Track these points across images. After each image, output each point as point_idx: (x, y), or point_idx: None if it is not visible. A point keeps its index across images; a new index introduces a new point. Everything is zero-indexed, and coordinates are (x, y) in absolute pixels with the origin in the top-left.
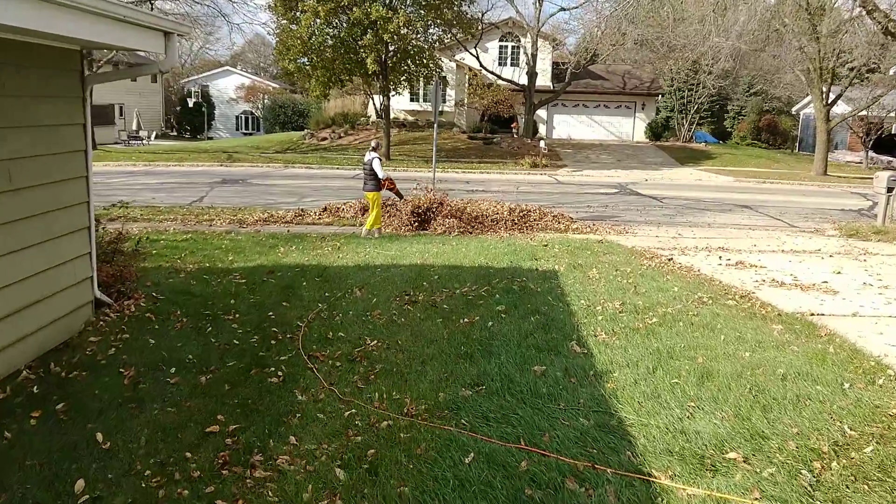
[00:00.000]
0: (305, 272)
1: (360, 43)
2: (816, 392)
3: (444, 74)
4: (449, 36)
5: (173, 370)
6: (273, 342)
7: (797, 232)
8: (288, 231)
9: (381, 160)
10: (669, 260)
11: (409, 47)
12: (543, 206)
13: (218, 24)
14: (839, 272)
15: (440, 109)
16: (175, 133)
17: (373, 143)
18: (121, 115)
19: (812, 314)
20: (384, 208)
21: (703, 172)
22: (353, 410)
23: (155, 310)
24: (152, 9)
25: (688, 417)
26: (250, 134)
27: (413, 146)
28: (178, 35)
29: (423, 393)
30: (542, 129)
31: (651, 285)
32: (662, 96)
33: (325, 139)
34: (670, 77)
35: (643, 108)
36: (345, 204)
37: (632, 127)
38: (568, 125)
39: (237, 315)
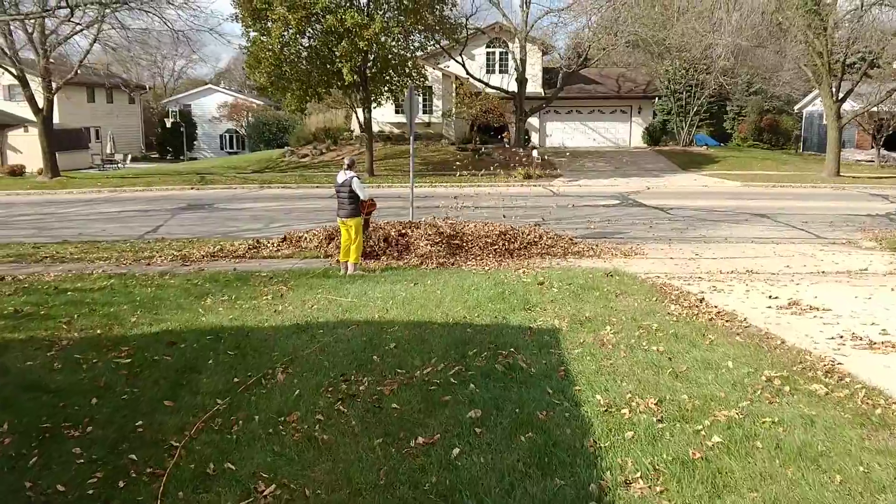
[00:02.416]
0: (220, 340)
1: (335, 52)
2: None
3: (428, 84)
4: (432, 43)
5: None
6: (121, 485)
7: (828, 245)
8: (234, 269)
9: (360, 178)
10: (701, 301)
11: (390, 56)
12: (539, 224)
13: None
14: None
15: (427, 121)
16: (156, 155)
17: (346, 161)
18: (97, 138)
19: None
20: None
21: (708, 178)
22: None
23: None
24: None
25: None
26: (235, 153)
27: (398, 160)
28: None
29: None
30: (534, 138)
31: (692, 358)
32: (659, 99)
33: (305, 156)
34: (667, 79)
35: (640, 112)
36: (307, 232)
37: (629, 132)
38: (562, 133)
39: (90, 428)
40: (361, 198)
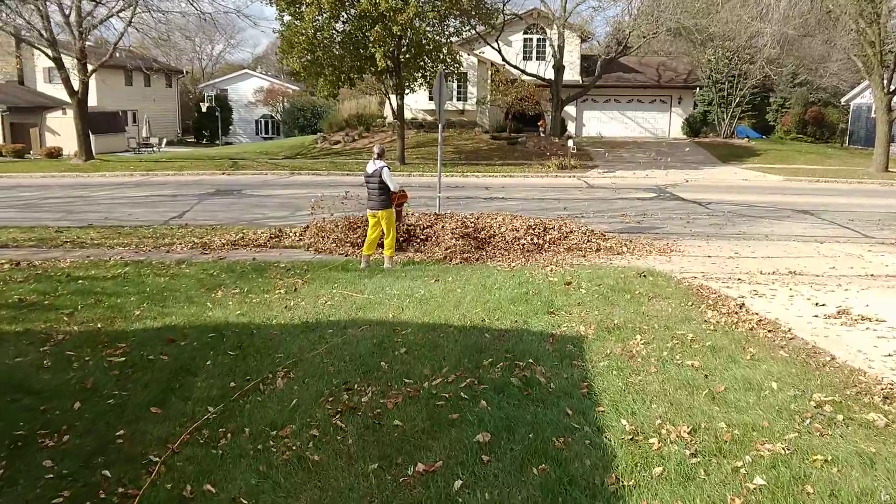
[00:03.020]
0: (223, 339)
1: (368, 37)
2: None
3: (463, 70)
4: (468, 28)
5: None
6: None
7: (876, 245)
8: (254, 259)
9: (390, 169)
10: (741, 307)
11: (424, 41)
12: (570, 218)
13: (240, 27)
14: None
15: (461, 108)
16: (192, 139)
17: (376, 149)
18: (133, 121)
19: None
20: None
21: (749, 171)
22: None
23: None
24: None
25: None
26: (270, 138)
27: (431, 148)
28: None
29: None
30: (570, 127)
31: (731, 376)
32: (700, 89)
33: (337, 142)
34: (709, 68)
35: (680, 103)
36: (329, 222)
37: (668, 123)
38: (599, 122)
39: (67, 437)
40: (392, 189)
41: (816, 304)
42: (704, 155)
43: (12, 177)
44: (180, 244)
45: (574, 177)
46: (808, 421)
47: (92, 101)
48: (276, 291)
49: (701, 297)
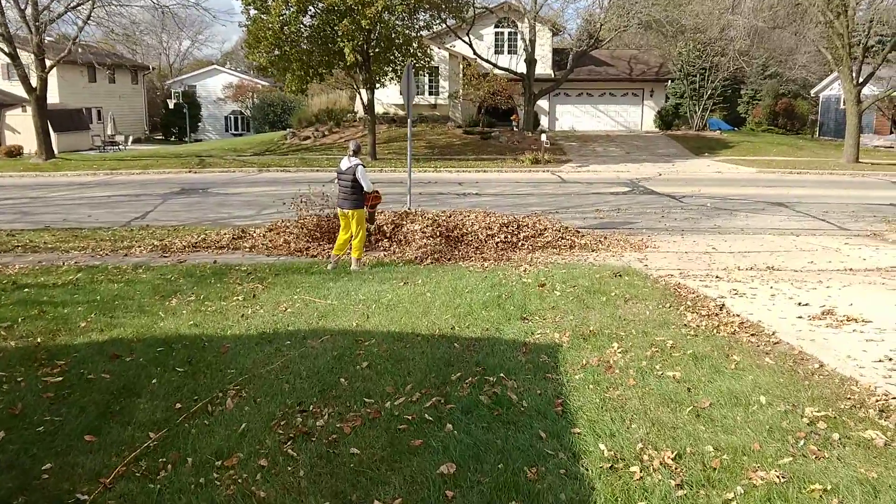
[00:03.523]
0: (172, 353)
1: (337, 31)
2: None
3: (434, 64)
4: (438, 22)
5: None
6: None
7: (852, 237)
8: (214, 262)
9: (365, 167)
10: (721, 308)
11: (393, 35)
12: (544, 214)
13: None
14: None
15: (433, 103)
16: (161, 136)
17: (352, 146)
18: (98, 119)
19: None
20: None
21: (722, 164)
22: None
23: None
24: None
25: None
26: (240, 135)
27: (403, 143)
28: None
29: None
30: (544, 121)
31: (716, 389)
32: (672, 82)
33: (307, 138)
34: (680, 61)
35: (652, 96)
36: (295, 221)
37: (640, 116)
38: (572, 116)
39: None
40: (365, 189)
41: (799, 303)
42: (677, 148)
43: None
44: (139, 247)
45: (548, 171)
46: (801, 442)
47: (54, 98)
48: (234, 298)
49: (679, 297)
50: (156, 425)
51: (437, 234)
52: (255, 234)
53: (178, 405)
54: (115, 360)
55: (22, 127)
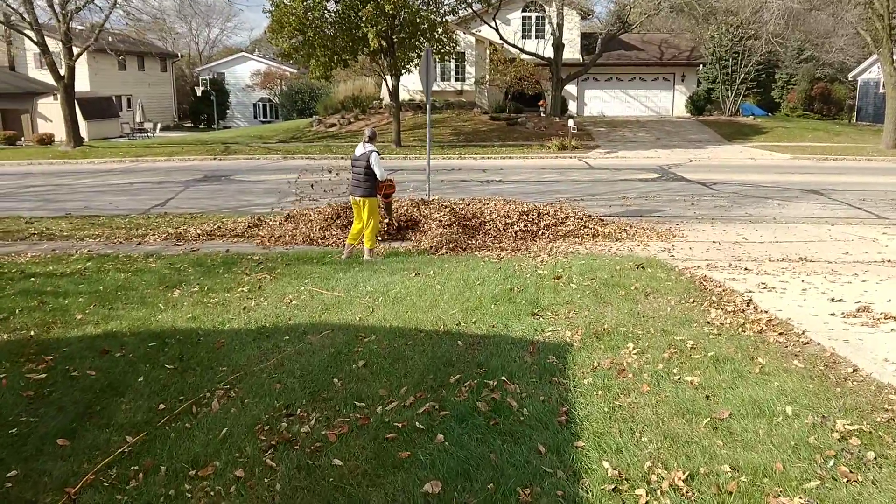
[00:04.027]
0: (164, 348)
1: (361, 17)
2: None
3: (461, 50)
4: (464, 6)
5: None
6: None
7: (890, 227)
8: (227, 251)
9: (379, 153)
10: (748, 304)
11: (418, 20)
12: (569, 201)
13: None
14: None
15: (459, 89)
16: (190, 124)
17: (367, 132)
18: (128, 106)
19: None
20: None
21: (755, 150)
22: None
23: None
24: None
25: None
26: (268, 122)
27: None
28: None
29: None
30: (572, 107)
31: (738, 396)
32: (704, 66)
33: (333, 125)
34: (712, 45)
35: (683, 80)
36: (312, 210)
37: (671, 101)
38: (601, 101)
39: None
40: (378, 176)
41: (832, 299)
42: (709, 133)
43: None
44: (154, 235)
45: (575, 157)
46: (831, 461)
47: (85, 86)
48: (239, 290)
49: (704, 291)
50: (135, 428)
51: (454, 222)
52: (271, 223)
53: (162, 406)
54: (105, 356)
55: (54, 115)
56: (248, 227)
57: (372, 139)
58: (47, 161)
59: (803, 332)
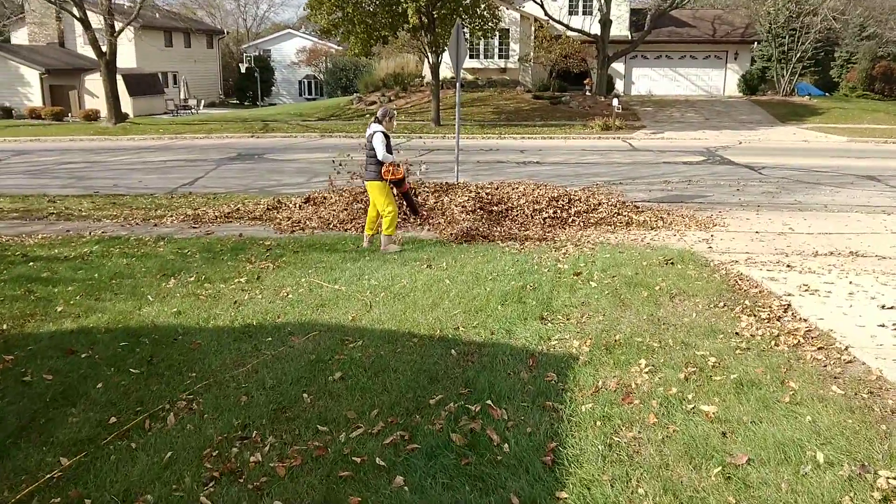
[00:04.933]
0: (136, 349)
1: None
2: None
3: (504, 26)
4: None
5: None
6: None
7: None
8: (240, 235)
9: (386, 135)
10: (786, 310)
11: None
12: (606, 185)
13: None
14: None
15: (503, 66)
16: (235, 101)
17: (379, 112)
18: (174, 83)
19: None
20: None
21: (809, 131)
22: None
23: None
24: None
25: None
26: (313, 99)
27: (470, 108)
28: None
29: None
30: (619, 85)
31: (760, 436)
32: (758, 44)
33: (373, 103)
34: (768, 21)
35: (736, 59)
36: (333, 192)
37: (723, 80)
38: (649, 80)
39: None
40: (379, 157)
41: (883, 305)
42: (761, 114)
43: (41, 140)
44: (171, 217)
45: (618, 138)
46: None
47: (131, 62)
48: (237, 280)
49: (737, 293)
50: (76, 447)
51: (480, 208)
52: (290, 205)
53: (114, 419)
54: (69, 357)
55: (100, 91)
56: (267, 209)
57: (381, 118)
58: (88, 137)
59: (846, 348)
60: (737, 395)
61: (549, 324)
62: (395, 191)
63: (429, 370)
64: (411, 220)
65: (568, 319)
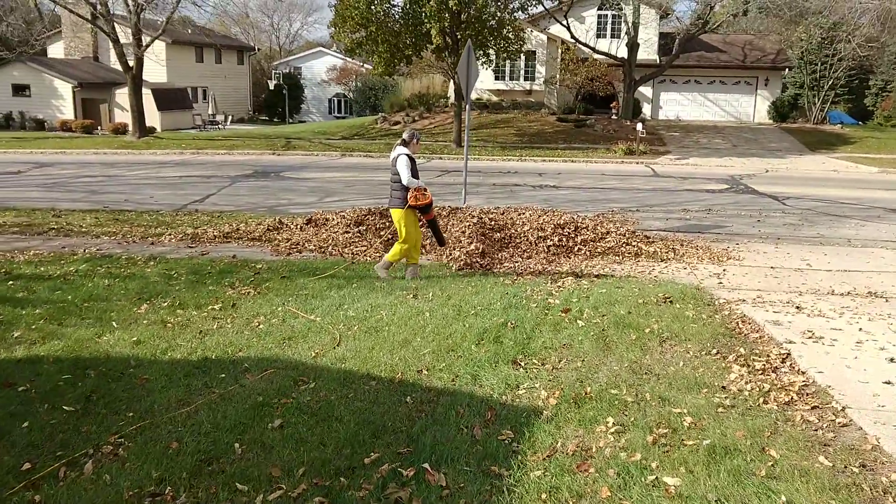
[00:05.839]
0: (79, 383)
1: (423, 11)
2: None
3: (531, 48)
4: (534, 3)
5: None
6: None
7: None
8: (233, 257)
9: (412, 158)
10: (784, 361)
11: (485, 16)
12: (621, 212)
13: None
14: None
15: (528, 88)
16: (265, 117)
17: (405, 134)
18: (204, 98)
19: None
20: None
21: (839, 161)
22: None
23: None
24: None
25: None
26: (342, 117)
27: (493, 130)
28: None
29: None
30: (646, 109)
31: None
32: (790, 70)
33: (397, 123)
34: (800, 48)
35: (766, 85)
36: (335, 214)
37: (752, 106)
38: (677, 104)
39: None
40: (403, 182)
41: (892, 359)
42: (790, 142)
43: (65, 152)
44: (170, 235)
45: (641, 163)
46: None
47: (162, 77)
48: (210, 307)
49: (735, 339)
50: None
51: (481, 234)
52: (292, 226)
53: (28, 466)
54: (5, 390)
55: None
56: (268, 230)
57: (408, 142)
58: (112, 150)
59: (843, 409)
60: (707, 466)
61: (521, 369)
62: (421, 219)
63: (375, 422)
64: (438, 250)
65: (543, 364)
